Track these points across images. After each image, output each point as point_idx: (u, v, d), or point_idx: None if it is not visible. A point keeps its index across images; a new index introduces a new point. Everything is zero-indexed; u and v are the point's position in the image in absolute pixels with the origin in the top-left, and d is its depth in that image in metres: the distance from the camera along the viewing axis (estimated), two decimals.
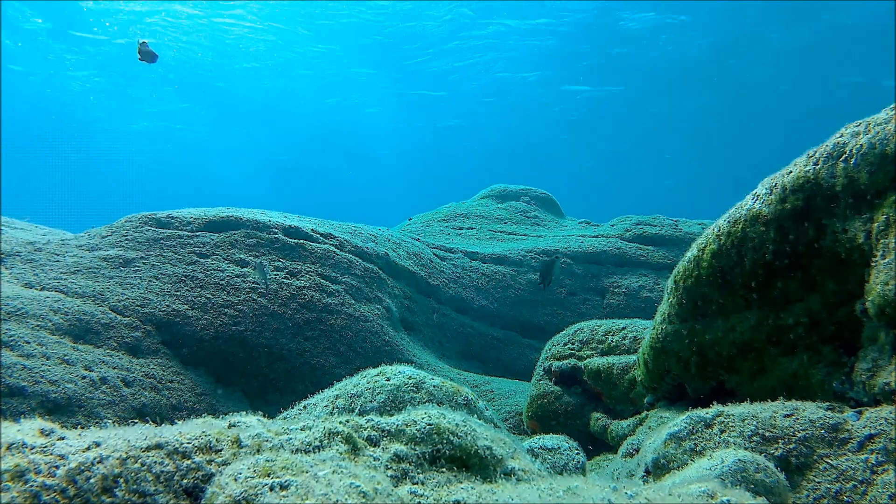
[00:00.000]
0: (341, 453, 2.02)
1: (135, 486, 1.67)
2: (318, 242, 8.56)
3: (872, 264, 3.09)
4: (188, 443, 1.88)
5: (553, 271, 7.64)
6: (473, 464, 2.16)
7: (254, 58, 32.41)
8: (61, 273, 6.87)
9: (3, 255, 6.87)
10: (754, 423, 2.98)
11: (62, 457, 1.67)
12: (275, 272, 7.79)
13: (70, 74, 32.73)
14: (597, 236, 11.78)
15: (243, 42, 30.55)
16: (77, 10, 26.31)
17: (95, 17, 27.17)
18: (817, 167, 3.39)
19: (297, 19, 28.62)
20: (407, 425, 2.22)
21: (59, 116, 38.97)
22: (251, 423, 2.14)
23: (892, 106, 3.20)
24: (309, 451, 2.02)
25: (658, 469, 3.05)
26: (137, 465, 1.71)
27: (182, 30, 28.73)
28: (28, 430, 1.77)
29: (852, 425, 2.83)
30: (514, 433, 5.89)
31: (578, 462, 4.16)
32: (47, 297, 6.27)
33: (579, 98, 36.41)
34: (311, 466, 1.79)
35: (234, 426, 2.10)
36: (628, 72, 32.25)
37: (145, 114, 39.39)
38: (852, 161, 3.19)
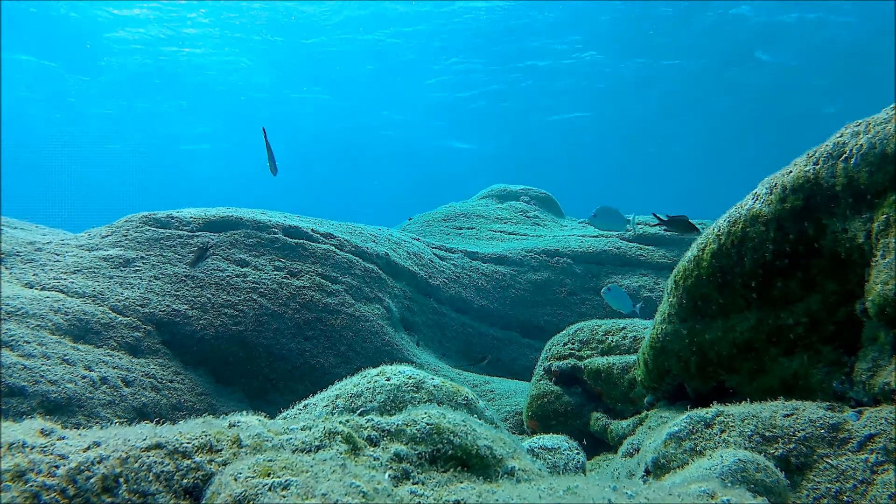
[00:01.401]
0: (341, 453, 2.02)
1: (135, 486, 1.67)
2: (318, 242, 8.56)
3: (872, 264, 3.09)
4: (188, 442, 1.88)
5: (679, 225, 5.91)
6: (474, 464, 2.16)
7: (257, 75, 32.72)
8: (61, 273, 6.87)
9: (3, 255, 6.87)
10: (754, 422, 2.98)
11: (62, 456, 1.67)
12: (275, 272, 7.78)
13: (71, 75, 32.72)
14: (597, 236, 11.77)
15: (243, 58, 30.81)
16: (79, 15, 26.34)
17: (97, 29, 27.25)
18: (817, 167, 3.39)
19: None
20: (407, 425, 2.22)
21: (59, 117, 38.96)
22: (251, 423, 2.14)
23: (892, 106, 3.20)
24: (309, 451, 2.02)
25: (658, 469, 3.04)
26: (138, 465, 1.71)
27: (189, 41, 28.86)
28: (28, 429, 1.77)
29: (852, 425, 2.83)
30: (514, 433, 5.88)
31: (578, 462, 4.16)
32: (47, 297, 6.26)
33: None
34: (312, 466, 1.79)
35: (234, 426, 2.10)
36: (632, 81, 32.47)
37: (147, 115, 39.40)
38: (852, 161, 3.19)
